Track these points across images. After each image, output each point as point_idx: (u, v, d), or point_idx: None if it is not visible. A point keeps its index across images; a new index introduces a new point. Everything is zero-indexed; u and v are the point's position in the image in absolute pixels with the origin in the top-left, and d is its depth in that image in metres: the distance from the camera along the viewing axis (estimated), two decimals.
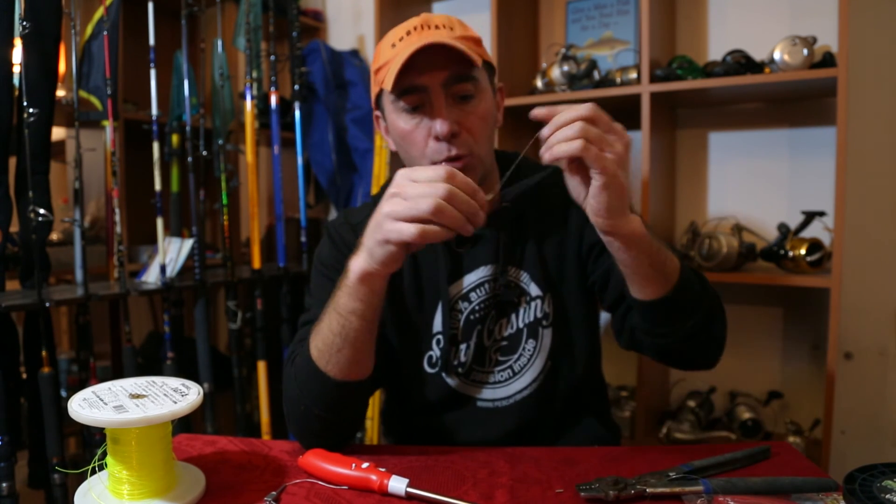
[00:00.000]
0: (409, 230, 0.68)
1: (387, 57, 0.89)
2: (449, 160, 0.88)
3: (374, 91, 0.95)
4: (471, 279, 0.97)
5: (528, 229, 0.99)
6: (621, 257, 0.77)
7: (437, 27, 0.89)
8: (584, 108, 0.70)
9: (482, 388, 0.98)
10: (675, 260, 0.80)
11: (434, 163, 0.89)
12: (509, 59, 1.95)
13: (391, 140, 0.96)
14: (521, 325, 0.98)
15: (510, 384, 0.98)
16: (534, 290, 0.97)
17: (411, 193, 0.69)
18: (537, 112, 0.72)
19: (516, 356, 0.98)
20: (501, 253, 0.96)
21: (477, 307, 0.97)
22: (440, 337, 0.96)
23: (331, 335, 0.79)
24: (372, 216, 0.74)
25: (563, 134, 0.69)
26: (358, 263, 0.75)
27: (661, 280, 0.78)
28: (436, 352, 0.97)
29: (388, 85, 0.86)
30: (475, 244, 0.97)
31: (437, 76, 0.86)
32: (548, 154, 0.70)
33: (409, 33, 0.88)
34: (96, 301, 1.55)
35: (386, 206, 0.71)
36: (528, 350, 0.97)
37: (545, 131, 0.71)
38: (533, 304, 0.97)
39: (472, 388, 0.98)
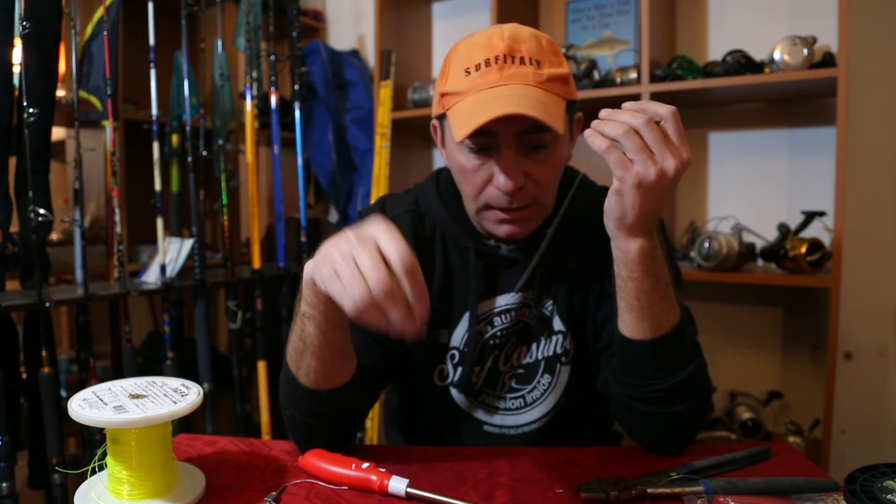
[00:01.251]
0: (353, 301, 0.58)
1: (458, 86, 0.80)
2: (507, 209, 0.83)
3: (435, 108, 0.88)
4: (499, 303, 0.93)
5: (565, 259, 0.93)
6: (617, 272, 0.75)
7: (522, 61, 0.78)
8: (643, 116, 0.67)
9: (491, 413, 0.96)
10: (675, 317, 0.76)
11: (490, 207, 0.85)
12: None
13: (445, 156, 0.91)
14: (539, 356, 0.94)
15: (521, 414, 0.95)
16: (557, 324, 0.94)
17: (347, 274, 0.58)
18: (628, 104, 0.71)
19: (530, 387, 0.95)
20: (538, 282, 0.92)
21: (498, 333, 0.94)
22: (455, 353, 0.94)
23: (295, 338, 0.75)
24: (331, 242, 0.62)
25: (607, 127, 0.68)
26: (308, 268, 0.67)
27: (644, 319, 0.75)
28: (448, 366, 0.95)
29: (457, 131, 0.77)
30: (511, 267, 0.93)
31: (511, 126, 0.78)
32: (586, 134, 0.69)
33: (488, 63, 0.78)
34: (96, 301, 1.55)
35: (323, 266, 0.61)
36: (543, 384, 0.95)
37: (603, 113, 0.70)
38: (554, 338, 0.94)
39: (480, 409, 0.96)
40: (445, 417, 0.97)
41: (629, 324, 0.76)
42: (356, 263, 0.58)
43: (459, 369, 0.94)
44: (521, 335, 0.94)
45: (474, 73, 0.79)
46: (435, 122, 0.92)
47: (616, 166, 0.68)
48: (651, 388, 0.77)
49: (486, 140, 0.81)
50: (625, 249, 0.73)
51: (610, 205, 0.71)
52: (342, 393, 0.78)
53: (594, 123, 0.70)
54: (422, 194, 0.98)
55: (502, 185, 0.80)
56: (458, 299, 0.94)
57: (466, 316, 0.93)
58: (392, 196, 1.01)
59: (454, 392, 0.96)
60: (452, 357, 0.94)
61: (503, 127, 0.78)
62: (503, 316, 0.94)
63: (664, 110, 0.68)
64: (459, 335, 0.94)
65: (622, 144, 0.67)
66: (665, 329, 0.75)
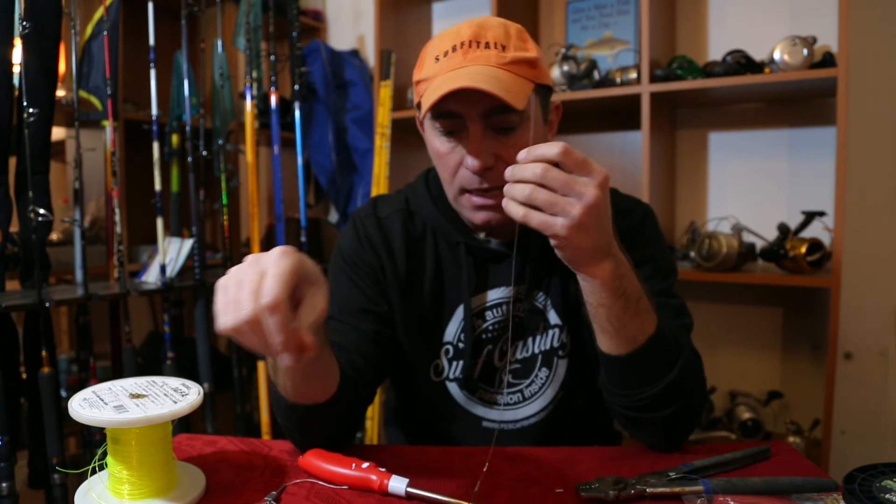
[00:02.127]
0: (221, 323, 0.56)
1: (428, 72, 0.83)
2: (480, 192, 0.84)
3: (414, 99, 0.90)
4: (491, 297, 0.94)
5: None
6: (585, 298, 0.75)
7: (486, 45, 0.80)
8: (537, 168, 0.66)
9: (489, 408, 0.96)
10: (650, 327, 0.75)
11: (465, 191, 0.86)
12: None
13: (427, 147, 0.93)
14: (536, 350, 0.95)
15: (518, 409, 0.96)
16: (553, 317, 0.94)
17: (229, 296, 0.56)
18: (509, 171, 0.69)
19: (528, 382, 0.95)
20: (528, 275, 0.93)
21: (490, 326, 0.94)
22: (449, 347, 0.94)
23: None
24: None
25: (514, 191, 0.67)
26: None
27: (618, 337, 0.75)
28: (443, 361, 0.95)
29: (423, 108, 0.80)
30: (501, 261, 0.94)
31: (475, 106, 0.79)
32: (503, 206, 0.69)
33: (454, 49, 0.81)
34: (96, 301, 1.55)
35: (219, 292, 0.58)
36: (541, 378, 0.95)
37: (507, 173, 0.69)
38: (551, 332, 0.94)
39: (478, 405, 0.96)
40: (444, 413, 0.97)
41: (604, 342, 0.77)
42: (238, 289, 0.56)
43: (455, 364, 0.95)
44: (516, 329, 0.95)
45: (442, 59, 0.82)
46: (419, 113, 0.94)
47: (542, 228, 0.67)
48: (636, 398, 0.78)
49: (453, 122, 0.82)
50: (590, 281, 0.72)
51: (559, 254, 0.71)
52: (322, 408, 0.76)
53: (508, 179, 0.69)
54: (412, 193, 0.99)
55: (469, 165, 0.82)
56: (450, 294, 0.95)
57: (459, 311, 0.94)
58: (383, 197, 1.02)
59: (451, 387, 0.96)
60: (447, 352, 0.95)
61: (467, 107, 0.80)
62: (495, 310, 0.94)
63: (553, 151, 0.66)
64: (453, 330, 0.94)
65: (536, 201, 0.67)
66: (641, 341, 0.75)
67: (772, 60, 1.61)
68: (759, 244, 1.80)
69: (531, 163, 0.67)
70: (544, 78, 0.85)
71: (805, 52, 1.55)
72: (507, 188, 0.68)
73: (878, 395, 1.77)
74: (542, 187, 0.66)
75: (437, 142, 0.86)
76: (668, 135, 1.97)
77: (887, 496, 0.60)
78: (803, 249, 1.62)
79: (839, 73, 1.49)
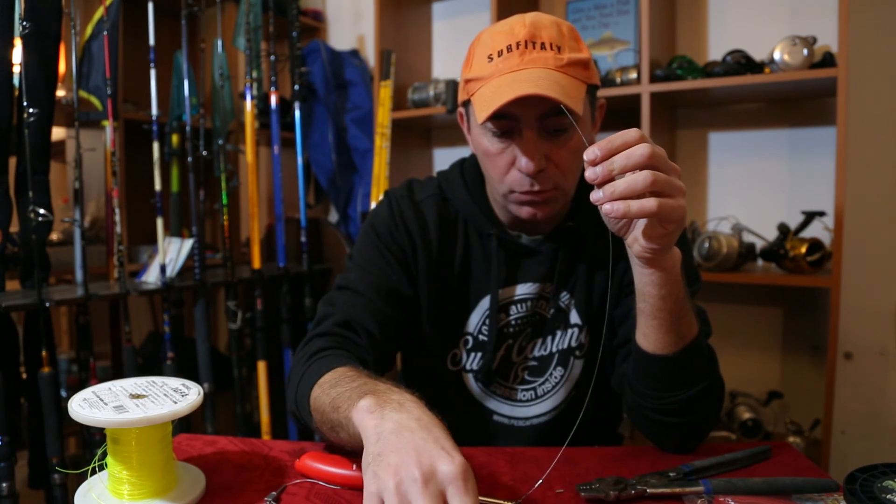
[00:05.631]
0: None
1: (481, 71, 0.81)
2: (530, 193, 0.84)
3: (461, 95, 0.89)
4: (519, 291, 0.94)
5: (585, 252, 0.93)
6: (649, 291, 0.71)
7: (542, 46, 0.79)
8: (645, 149, 0.60)
9: (501, 403, 0.96)
10: (696, 326, 0.75)
11: (513, 192, 0.85)
12: None
13: (471, 141, 0.92)
14: (553, 349, 0.95)
15: (531, 406, 0.96)
16: (574, 317, 0.94)
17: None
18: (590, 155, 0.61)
19: (542, 380, 0.95)
20: (557, 274, 0.92)
21: (513, 321, 0.94)
22: (469, 338, 0.95)
23: (330, 411, 0.70)
24: (378, 451, 0.55)
25: (629, 187, 0.60)
26: (368, 417, 0.60)
27: (672, 335, 0.73)
28: (462, 351, 0.95)
29: (479, 114, 0.79)
30: (531, 257, 0.93)
31: (533, 110, 0.79)
32: (612, 208, 0.61)
33: (510, 49, 0.79)
34: (96, 301, 1.55)
35: (378, 477, 0.53)
36: (556, 377, 0.95)
37: (590, 175, 0.62)
38: (570, 331, 0.95)
39: (491, 399, 0.96)
40: (456, 404, 0.97)
41: (656, 340, 0.75)
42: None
43: (473, 355, 0.95)
44: (537, 326, 0.95)
45: (496, 59, 0.80)
46: (461, 109, 0.93)
47: (670, 213, 0.62)
48: (669, 400, 0.77)
49: (508, 124, 0.81)
50: (670, 264, 0.70)
51: (660, 243, 0.66)
52: None
53: (601, 198, 0.62)
54: (446, 181, 0.98)
55: (524, 167, 0.81)
56: (476, 285, 0.94)
57: (483, 302, 0.94)
58: (417, 181, 1.02)
59: (467, 378, 0.96)
60: (466, 342, 0.95)
61: (524, 110, 0.79)
62: (519, 305, 0.94)
63: (633, 135, 0.62)
64: (475, 321, 0.94)
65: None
66: (688, 340, 0.75)
67: (772, 60, 1.61)
68: (759, 244, 1.80)
69: (630, 151, 0.61)
70: (595, 78, 0.85)
71: (805, 52, 1.55)
72: (608, 187, 0.61)
73: (878, 395, 1.77)
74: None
75: (486, 142, 0.85)
76: (668, 135, 1.97)
77: (888, 496, 0.60)
78: (803, 249, 1.62)
79: (839, 73, 1.49)
